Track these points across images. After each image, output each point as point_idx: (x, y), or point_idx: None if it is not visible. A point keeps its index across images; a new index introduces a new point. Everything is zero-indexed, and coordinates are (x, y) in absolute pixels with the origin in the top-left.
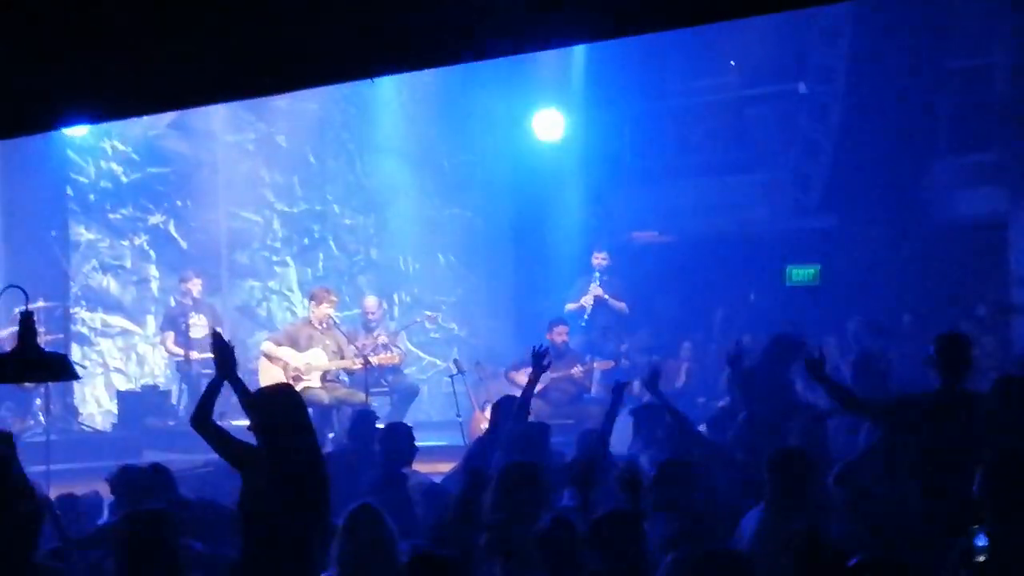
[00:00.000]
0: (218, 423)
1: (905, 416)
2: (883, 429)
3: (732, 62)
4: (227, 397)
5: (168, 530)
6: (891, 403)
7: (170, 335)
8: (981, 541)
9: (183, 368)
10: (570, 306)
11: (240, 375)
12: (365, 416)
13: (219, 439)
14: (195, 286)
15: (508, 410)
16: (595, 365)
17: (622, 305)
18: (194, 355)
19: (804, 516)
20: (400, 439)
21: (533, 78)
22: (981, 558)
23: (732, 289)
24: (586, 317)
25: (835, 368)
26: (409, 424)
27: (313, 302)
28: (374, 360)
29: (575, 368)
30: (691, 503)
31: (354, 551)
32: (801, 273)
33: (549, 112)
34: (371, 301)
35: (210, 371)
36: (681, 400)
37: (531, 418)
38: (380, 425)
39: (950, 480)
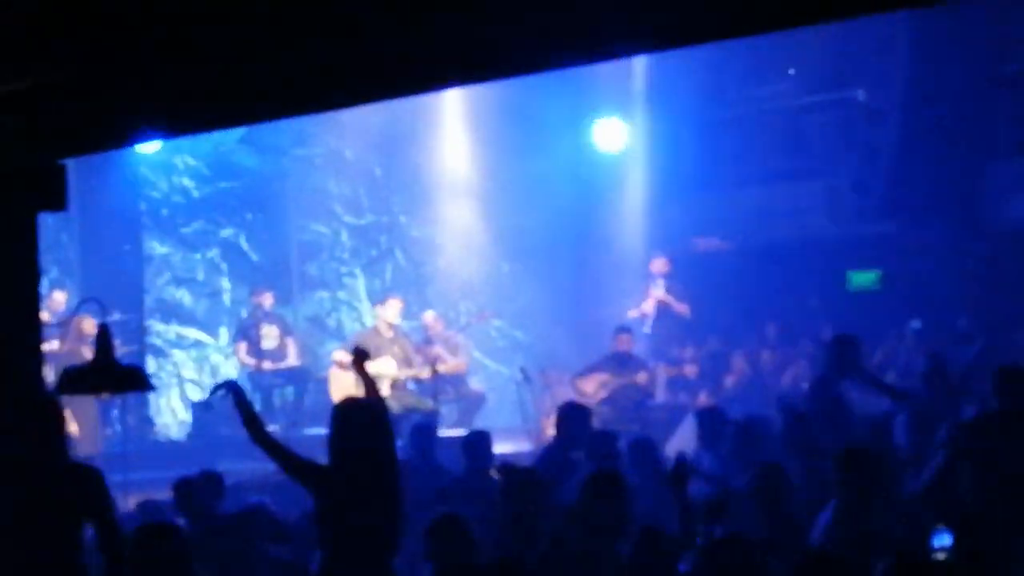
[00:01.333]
0: (275, 438)
1: (966, 443)
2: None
3: (791, 70)
4: (297, 404)
5: (176, 543)
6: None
7: (243, 345)
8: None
9: (256, 378)
10: (632, 313)
11: (309, 384)
12: (423, 428)
13: (277, 453)
14: (266, 299)
15: (574, 417)
16: (660, 371)
17: (684, 308)
18: (266, 365)
19: (874, 514)
20: (485, 445)
21: (595, 86)
22: (941, 556)
23: (793, 294)
24: (649, 325)
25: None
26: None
27: (379, 307)
28: (441, 368)
29: (640, 374)
30: (782, 506)
31: (442, 560)
32: (862, 278)
33: (610, 121)
34: (429, 315)
35: (281, 381)
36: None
37: (596, 424)
38: (450, 432)
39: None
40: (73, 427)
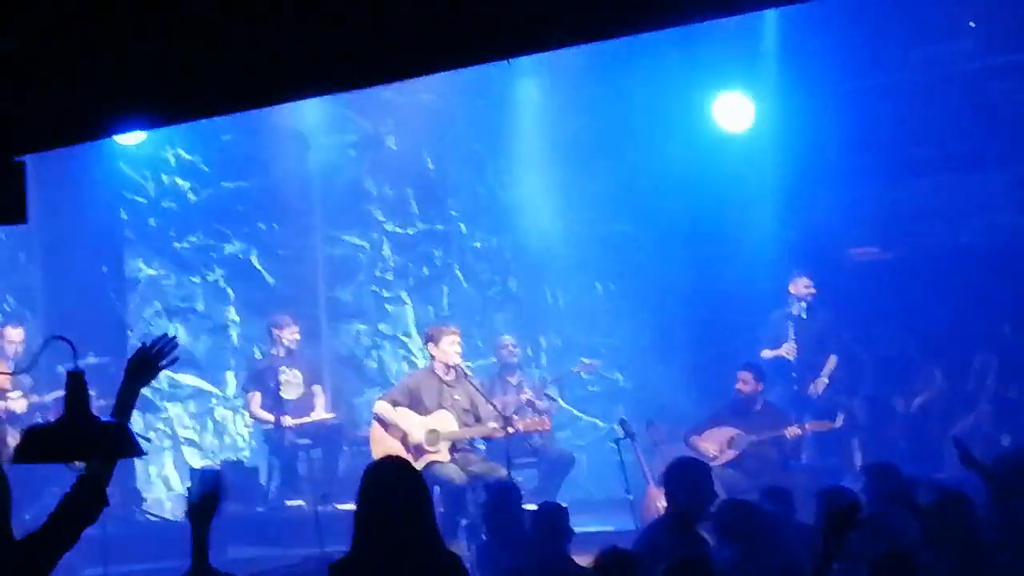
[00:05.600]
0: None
1: None
2: None
3: (971, 23)
4: (328, 471)
5: None
6: None
7: (256, 396)
8: None
9: (273, 438)
10: (768, 353)
11: (342, 445)
12: (504, 493)
13: None
14: (290, 334)
15: (690, 477)
16: (807, 427)
17: (829, 366)
18: (287, 421)
19: None
20: (557, 520)
21: (712, 55)
22: None
23: (979, 320)
24: (793, 374)
25: None
26: (564, 504)
27: (431, 344)
28: (519, 424)
29: (789, 429)
30: None
31: None
32: None
33: (733, 96)
34: (508, 338)
35: (307, 441)
36: None
37: (723, 494)
38: (530, 506)
39: None
40: None
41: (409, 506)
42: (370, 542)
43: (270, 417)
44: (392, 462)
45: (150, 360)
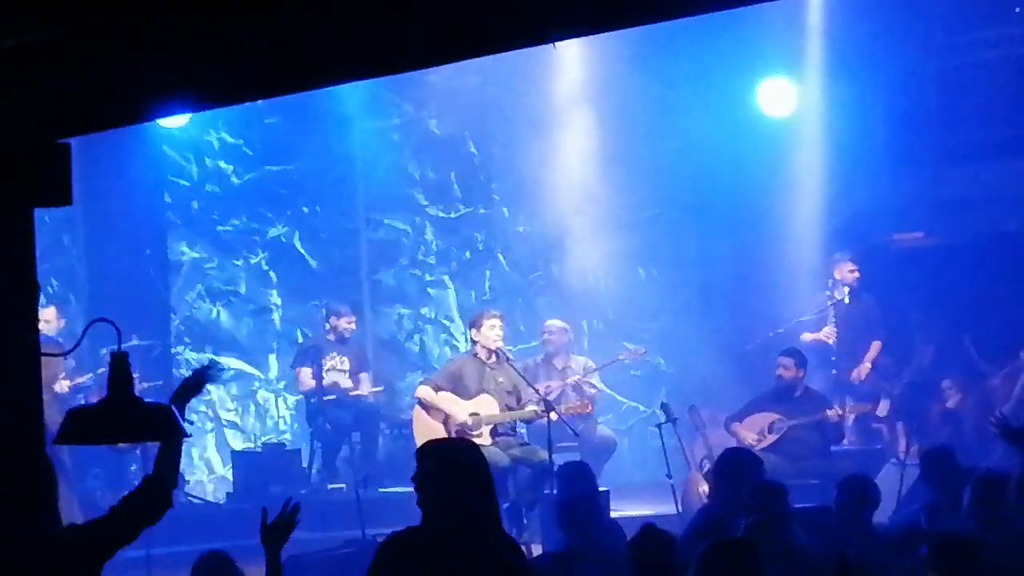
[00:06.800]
0: None
1: None
2: None
3: (1017, 8)
4: (368, 453)
5: None
6: None
7: (306, 371)
8: None
9: (315, 421)
10: (807, 336)
11: (387, 430)
12: (577, 472)
13: None
14: (346, 323)
15: (739, 468)
16: (848, 409)
17: (873, 351)
18: (340, 380)
19: None
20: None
21: (756, 40)
22: None
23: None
24: (833, 358)
25: None
26: (606, 488)
27: (473, 329)
28: (560, 408)
29: (832, 410)
30: None
31: None
32: None
33: (777, 81)
34: (554, 323)
35: (349, 422)
36: None
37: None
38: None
39: None
40: None
41: (477, 487)
42: (436, 521)
43: (314, 384)
44: (459, 443)
45: (196, 383)
